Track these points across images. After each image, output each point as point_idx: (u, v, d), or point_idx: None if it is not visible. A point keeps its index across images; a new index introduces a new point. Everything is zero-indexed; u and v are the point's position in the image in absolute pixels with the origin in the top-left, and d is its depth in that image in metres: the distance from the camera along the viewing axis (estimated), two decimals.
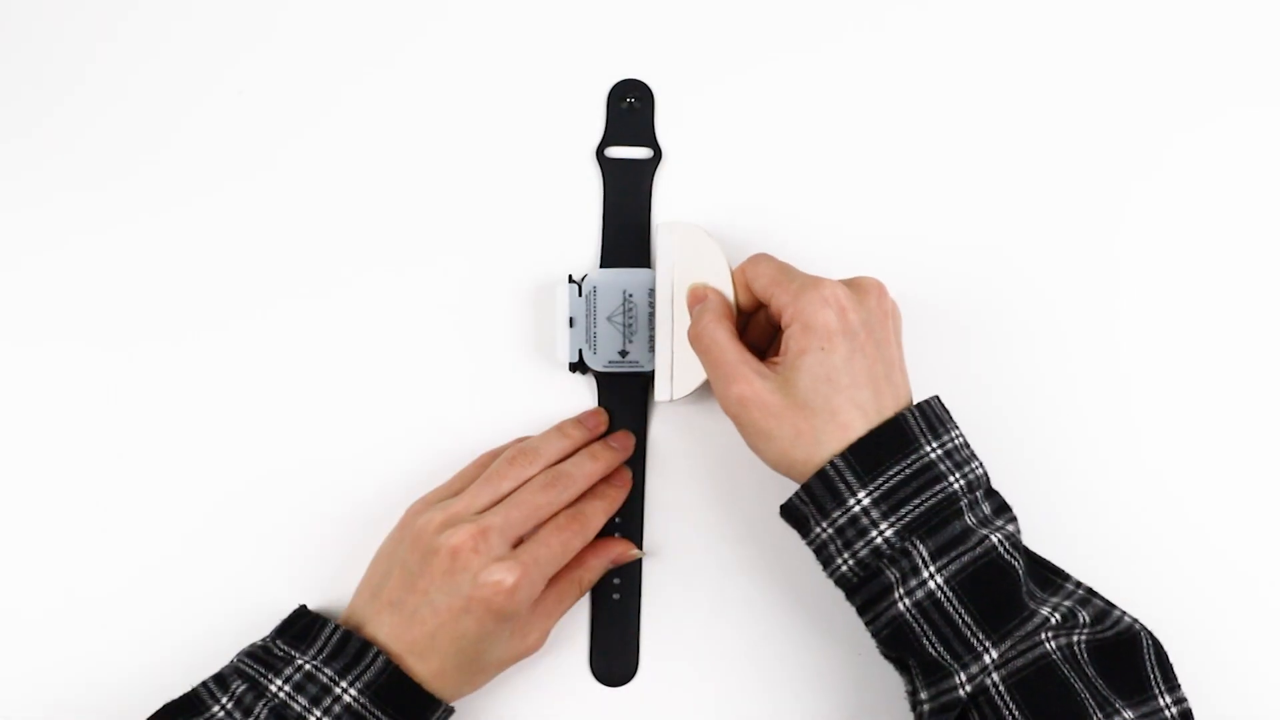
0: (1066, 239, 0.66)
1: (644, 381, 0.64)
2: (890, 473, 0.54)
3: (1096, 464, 0.65)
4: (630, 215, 0.65)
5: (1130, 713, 0.53)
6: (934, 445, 0.55)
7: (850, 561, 0.55)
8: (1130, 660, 0.55)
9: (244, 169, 0.66)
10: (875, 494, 0.54)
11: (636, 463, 0.64)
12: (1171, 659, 0.55)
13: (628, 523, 0.64)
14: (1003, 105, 0.67)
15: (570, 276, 0.64)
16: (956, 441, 0.56)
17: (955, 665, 0.54)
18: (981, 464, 0.57)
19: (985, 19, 0.67)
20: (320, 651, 0.56)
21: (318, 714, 0.55)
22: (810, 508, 0.56)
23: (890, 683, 0.62)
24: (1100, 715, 0.53)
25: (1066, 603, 0.55)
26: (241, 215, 0.66)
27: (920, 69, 0.67)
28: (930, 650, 0.54)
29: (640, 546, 0.64)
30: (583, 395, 0.65)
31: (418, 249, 0.66)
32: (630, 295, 0.63)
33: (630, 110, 0.66)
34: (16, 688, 0.63)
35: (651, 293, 0.63)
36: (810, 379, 0.55)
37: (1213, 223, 0.66)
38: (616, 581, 0.64)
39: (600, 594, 0.64)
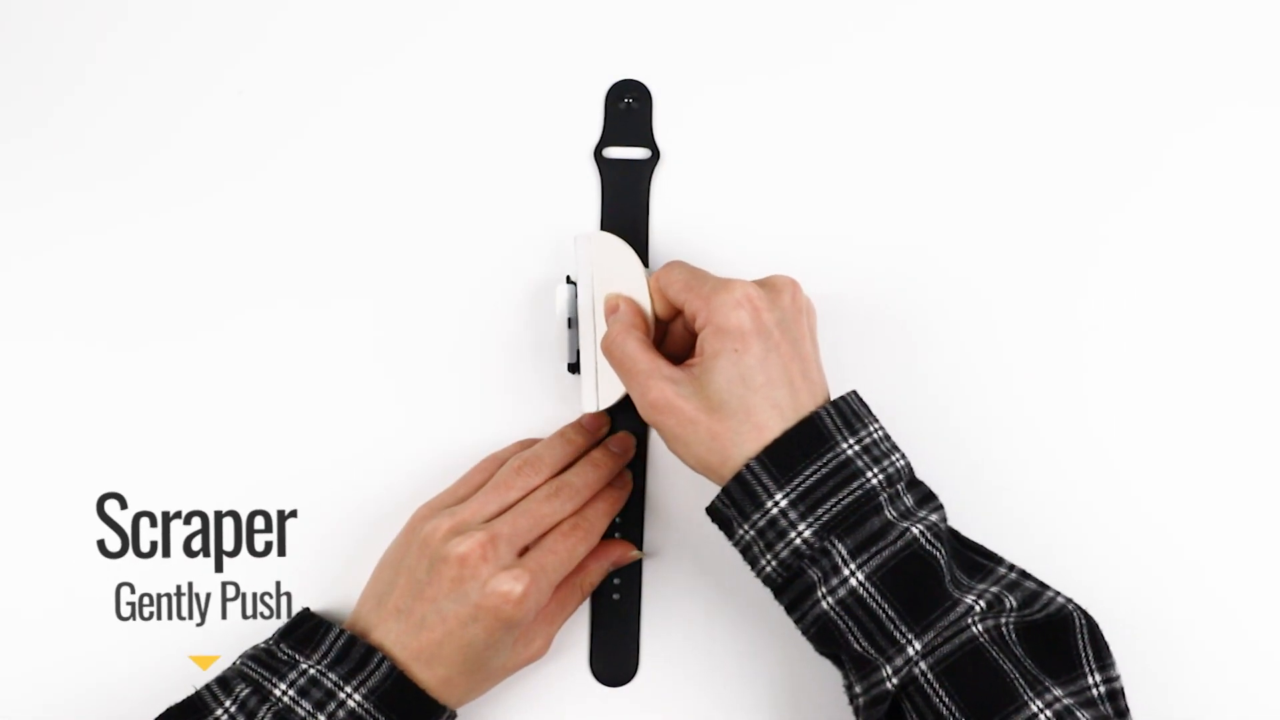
0: (1063, 242, 0.66)
1: None
2: (806, 473, 0.54)
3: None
4: (629, 216, 0.65)
5: (1059, 690, 0.54)
6: (850, 442, 0.55)
7: (773, 562, 0.55)
8: (1060, 640, 0.55)
9: (244, 169, 0.66)
10: (792, 495, 0.54)
11: (636, 464, 0.64)
12: (1109, 639, 0.56)
13: (628, 524, 0.64)
14: (1000, 110, 0.67)
15: (569, 277, 0.64)
16: (875, 435, 0.56)
17: (881, 659, 0.54)
18: (903, 455, 0.57)
19: (984, 23, 0.67)
20: (325, 656, 0.56)
21: (322, 719, 0.55)
22: (732, 510, 0.56)
23: None
24: (1030, 694, 0.53)
25: (994, 588, 0.56)
26: (241, 216, 0.66)
27: (919, 70, 0.67)
28: (856, 646, 0.54)
29: (640, 548, 0.64)
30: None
31: (417, 249, 0.66)
32: None
33: (628, 111, 0.66)
34: (17, 689, 0.63)
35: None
36: (724, 381, 0.55)
37: (1204, 223, 0.66)
38: (616, 582, 0.64)
39: (600, 595, 0.64)
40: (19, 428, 0.65)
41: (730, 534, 0.57)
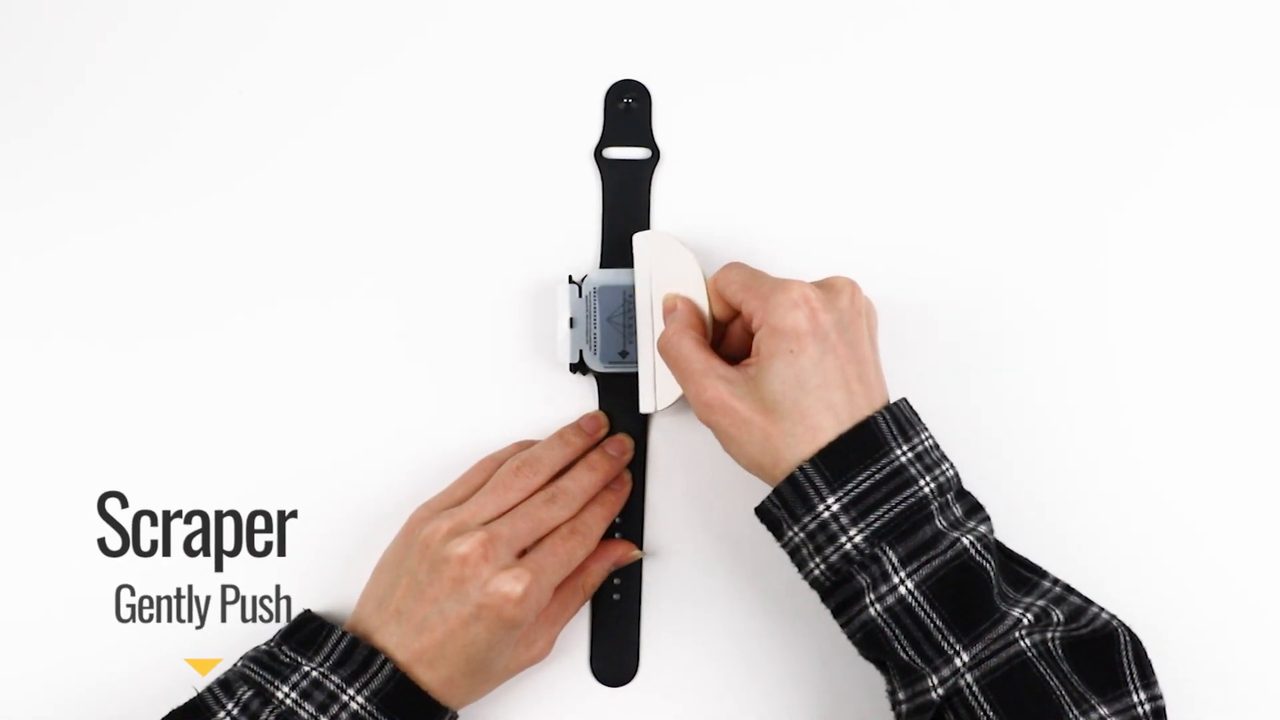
0: (1063, 242, 0.66)
1: None
2: (859, 478, 0.54)
3: (1084, 463, 0.65)
4: (629, 216, 0.65)
5: (1104, 709, 0.53)
6: (904, 449, 0.55)
7: (822, 566, 0.55)
8: (1106, 656, 0.55)
9: (244, 169, 0.66)
10: (844, 499, 0.54)
11: (636, 464, 0.64)
12: (1152, 656, 0.56)
13: (628, 524, 0.64)
14: (1001, 110, 0.67)
15: (570, 277, 0.64)
16: (927, 444, 0.56)
17: (928, 669, 0.54)
18: (952, 465, 0.57)
19: (985, 23, 0.67)
20: (327, 658, 0.56)
21: None
22: (782, 511, 0.56)
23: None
24: (1075, 712, 0.53)
25: (1040, 601, 0.56)
26: (240, 216, 0.66)
27: (920, 68, 0.67)
28: (903, 654, 0.54)
29: (640, 547, 0.64)
30: (583, 396, 0.65)
31: (418, 250, 0.66)
32: (630, 296, 0.63)
33: (627, 110, 0.66)
34: (17, 689, 0.63)
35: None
36: (779, 382, 0.55)
37: (1206, 224, 0.66)
38: (617, 582, 0.64)
39: (601, 595, 0.64)
40: (19, 427, 0.65)
41: (779, 535, 0.57)
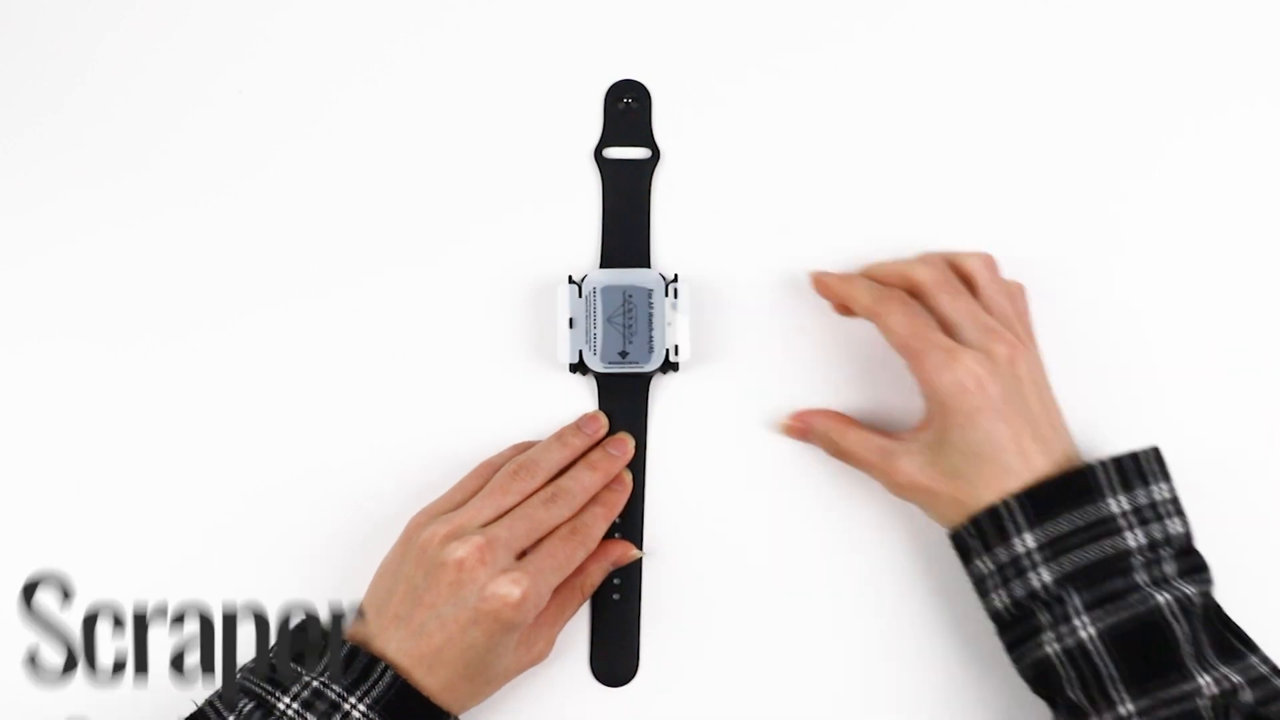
0: (1063, 241, 0.66)
1: (644, 382, 0.64)
2: (1061, 519, 0.56)
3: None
4: (629, 215, 0.65)
5: None
6: (1121, 499, 0.56)
7: (1006, 599, 0.57)
8: None
9: (243, 169, 0.66)
10: (1042, 539, 0.55)
11: (636, 464, 0.64)
12: None
13: (628, 524, 0.64)
14: (1002, 107, 0.67)
15: (570, 277, 0.64)
16: (1157, 497, 0.57)
17: (1093, 711, 0.55)
18: (1184, 523, 0.57)
19: (986, 20, 0.67)
20: (327, 668, 0.56)
21: None
22: (976, 541, 0.57)
23: (888, 682, 0.63)
24: None
25: (1236, 677, 0.54)
26: (239, 216, 0.66)
27: (920, 67, 0.67)
28: (1071, 693, 0.55)
29: (640, 547, 0.64)
30: (583, 396, 0.65)
31: (417, 250, 0.66)
32: (630, 296, 0.63)
33: (627, 110, 0.66)
34: (18, 694, 0.62)
35: (651, 293, 0.63)
36: (959, 456, 0.57)
37: (1209, 223, 0.66)
38: (617, 582, 0.64)
39: (600, 595, 0.64)
40: (20, 428, 0.65)
41: (967, 562, 0.58)
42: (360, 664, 0.56)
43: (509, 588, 0.56)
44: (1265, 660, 0.56)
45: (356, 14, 0.67)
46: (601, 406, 0.64)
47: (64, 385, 0.65)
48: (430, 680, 0.56)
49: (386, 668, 0.56)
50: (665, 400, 0.65)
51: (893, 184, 0.66)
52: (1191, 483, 0.58)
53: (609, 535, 0.63)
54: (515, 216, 0.66)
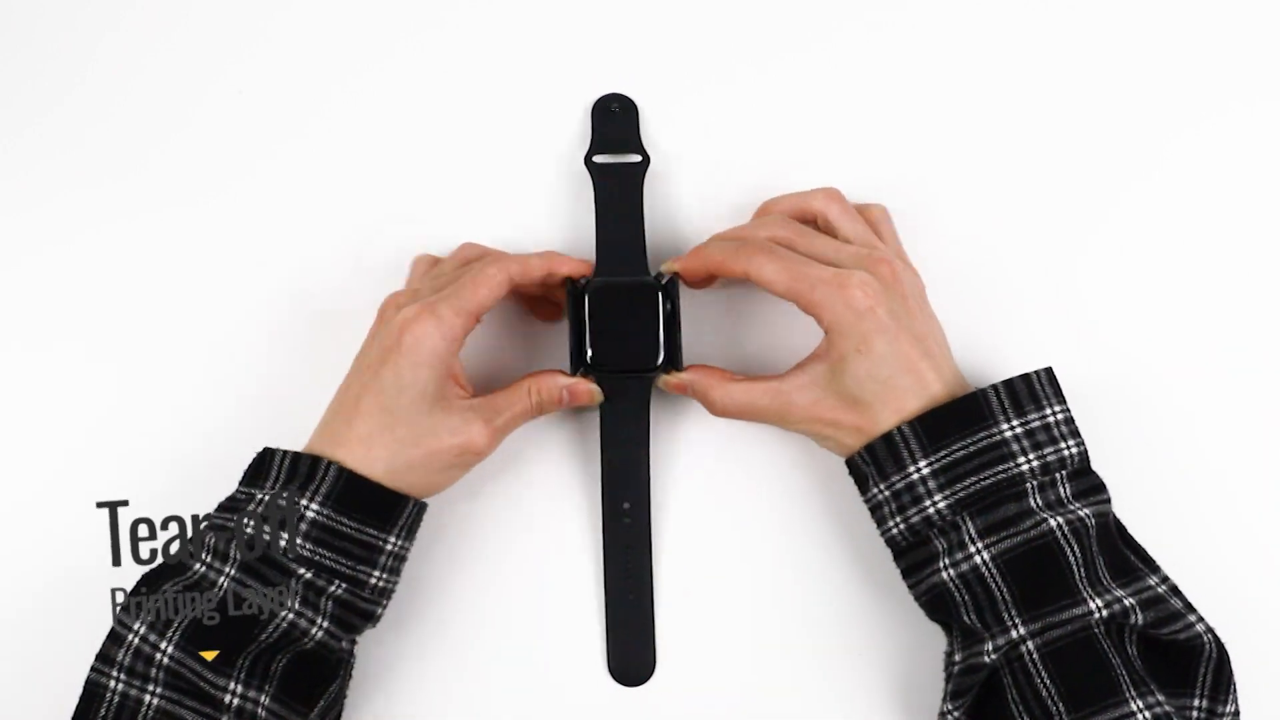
0: (1063, 242, 0.66)
1: (645, 381, 0.64)
2: (954, 446, 0.55)
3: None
4: (622, 220, 0.65)
5: (1162, 695, 0.53)
6: (1014, 423, 0.55)
7: (901, 525, 0.56)
8: (1181, 661, 0.55)
9: (244, 169, 0.66)
10: (935, 465, 0.55)
11: (641, 461, 0.64)
12: (1238, 681, 0.54)
13: (635, 520, 0.64)
14: (999, 110, 0.67)
15: (570, 279, 0.64)
16: (1050, 419, 0.56)
17: (986, 633, 0.55)
18: (1079, 444, 0.56)
19: (981, 22, 0.67)
20: (275, 481, 0.57)
21: (287, 537, 0.55)
22: (871, 468, 0.57)
23: (908, 673, 0.63)
24: (1133, 692, 0.53)
25: (1129, 600, 0.54)
26: (239, 217, 0.66)
27: (912, 68, 0.67)
28: (965, 617, 0.55)
29: (649, 545, 0.64)
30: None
31: (415, 250, 0.66)
32: (630, 296, 0.62)
33: (614, 118, 0.66)
34: (19, 697, 0.63)
35: (650, 294, 0.62)
36: (854, 382, 0.56)
37: (1209, 224, 0.66)
38: (629, 581, 0.64)
39: (613, 593, 0.64)
40: (20, 429, 0.65)
41: (863, 490, 0.58)
42: (304, 467, 0.56)
43: (407, 312, 0.57)
44: (1164, 580, 0.56)
45: (357, 14, 0.67)
46: (602, 406, 0.64)
47: (64, 385, 0.65)
48: (349, 433, 0.56)
49: (329, 464, 0.56)
50: (666, 400, 0.65)
51: (883, 184, 0.65)
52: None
53: (619, 521, 0.63)
54: (514, 222, 0.66)
